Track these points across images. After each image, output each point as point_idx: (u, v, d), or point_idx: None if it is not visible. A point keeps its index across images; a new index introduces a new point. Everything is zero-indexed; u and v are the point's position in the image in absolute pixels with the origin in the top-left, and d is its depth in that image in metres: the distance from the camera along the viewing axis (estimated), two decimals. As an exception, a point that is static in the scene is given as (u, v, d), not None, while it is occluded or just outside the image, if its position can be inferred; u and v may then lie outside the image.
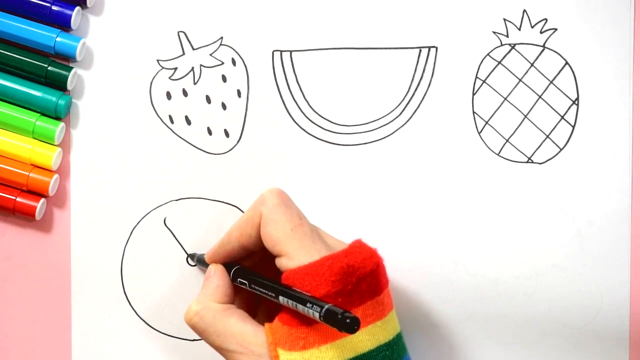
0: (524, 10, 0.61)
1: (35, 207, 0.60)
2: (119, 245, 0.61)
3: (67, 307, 0.62)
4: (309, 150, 0.61)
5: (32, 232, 0.62)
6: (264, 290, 0.52)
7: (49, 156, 0.60)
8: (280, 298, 0.51)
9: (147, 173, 0.61)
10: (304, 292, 0.50)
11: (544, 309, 0.61)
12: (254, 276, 0.54)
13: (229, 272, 0.56)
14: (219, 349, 0.53)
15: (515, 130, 0.61)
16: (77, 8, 0.60)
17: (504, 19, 0.61)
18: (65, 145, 0.61)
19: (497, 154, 0.61)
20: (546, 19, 0.61)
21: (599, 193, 0.61)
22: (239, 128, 0.62)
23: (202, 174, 0.61)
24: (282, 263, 0.52)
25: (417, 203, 0.61)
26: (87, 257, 0.61)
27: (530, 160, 0.61)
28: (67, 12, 0.60)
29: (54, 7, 0.60)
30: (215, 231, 0.61)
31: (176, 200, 0.62)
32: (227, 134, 0.62)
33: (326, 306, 0.48)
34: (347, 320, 0.46)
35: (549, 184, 0.61)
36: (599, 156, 0.61)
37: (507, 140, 0.61)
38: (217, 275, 0.55)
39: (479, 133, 0.61)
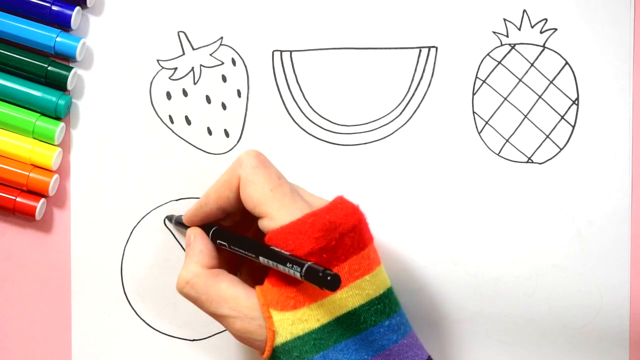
0: (524, 10, 0.61)
1: (35, 207, 0.60)
2: (119, 245, 0.61)
3: (67, 307, 0.61)
4: (309, 150, 0.61)
5: (32, 232, 0.62)
6: (244, 251, 0.52)
7: (49, 156, 0.60)
8: (261, 258, 0.51)
9: (147, 173, 0.61)
10: (286, 252, 0.50)
11: (544, 309, 0.61)
12: (233, 236, 0.54)
13: (207, 233, 0.55)
14: (213, 315, 0.53)
15: (515, 130, 0.61)
16: (77, 8, 0.60)
17: (504, 19, 0.61)
18: (65, 145, 0.61)
19: (497, 154, 0.61)
20: (546, 19, 0.61)
21: (599, 193, 0.61)
22: (239, 128, 0.62)
23: (202, 174, 0.61)
24: (264, 224, 0.52)
25: (417, 203, 0.61)
26: (87, 257, 0.61)
27: (530, 160, 0.61)
28: (67, 12, 0.60)
29: (54, 7, 0.60)
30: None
31: (176, 200, 0.62)
32: (227, 134, 0.62)
33: (307, 264, 0.48)
34: (328, 278, 0.46)
35: (549, 184, 0.61)
36: (599, 156, 0.61)
37: (507, 140, 0.61)
38: (198, 240, 0.55)
39: (479, 133, 0.61)
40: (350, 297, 0.51)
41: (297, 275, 0.48)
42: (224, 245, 0.54)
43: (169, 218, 0.61)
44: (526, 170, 0.61)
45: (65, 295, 0.62)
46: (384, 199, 0.61)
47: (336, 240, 0.50)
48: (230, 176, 0.53)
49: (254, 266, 0.57)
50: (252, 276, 0.57)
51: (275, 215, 0.51)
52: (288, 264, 0.49)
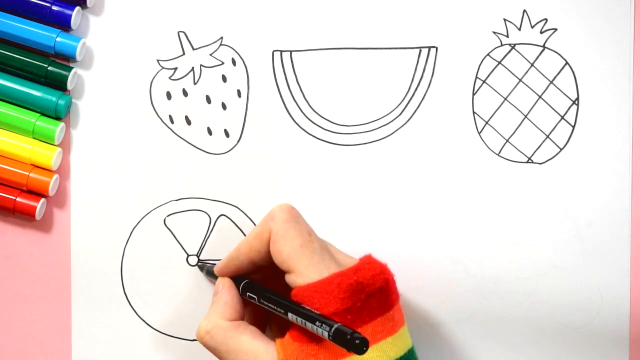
0: (524, 11, 0.61)
1: (35, 207, 0.60)
2: (119, 245, 0.61)
3: (67, 307, 0.62)
4: (309, 150, 0.61)
5: (32, 232, 0.62)
6: (273, 306, 0.52)
7: (49, 156, 0.60)
8: (290, 315, 0.51)
9: (147, 173, 0.61)
10: (313, 310, 0.50)
11: (544, 309, 0.61)
12: (263, 291, 0.54)
13: (238, 285, 0.55)
14: None
15: (515, 130, 0.61)
16: (77, 8, 0.60)
17: (504, 19, 0.61)
18: (65, 145, 0.61)
19: (497, 154, 0.61)
20: (546, 19, 0.61)
21: (599, 193, 0.61)
22: (239, 128, 0.62)
23: (202, 174, 0.61)
24: (292, 279, 0.52)
25: (417, 203, 0.61)
26: (87, 257, 0.61)
27: (530, 160, 0.61)
28: (67, 12, 0.60)
29: (54, 7, 0.60)
30: (215, 231, 0.61)
31: (176, 200, 0.62)
32: (227, 134, 0.62)
33: (335, 326, 0.48)
34: (357, 341, 0.46)
35: (549, 184, 0.61)
36: (599, 156, 0.61)
37: (507, 140, 0.61)
38: (225, 291, 0.55)
39: (479, 133, 0.61)
40: (370, 358, 0.51)
41: (325, 335, 0.48)
42: (254, 299, 0.54)
43: (201, 267, 0.61)
44: (526, 170, 0.61)
45: (65, 295, 0.62)
46: (384, 199, 0.61)
47: (362, 302, 0.51)
48: (262, 229, 0.53)
49: (283, 319, 0.56)
50: (281, 329, 0.57)
51: (303, 271, 0.51)
52: (317, 323, 0.49)
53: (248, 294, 0.55)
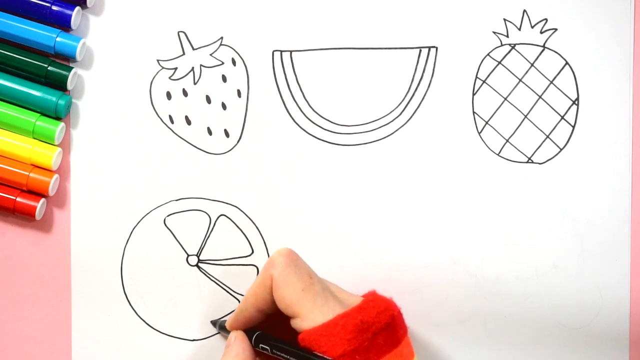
0: (524, 11, 0.61)
1: (35, 207, 0.60)
2: (119, 245, 0.61)
3: (67, 307, 0.62)
4: (309, 151, 0.61)
5: (32, 232, 0.62)
6: (286, 356, 0.52)
7: (49, 156, 0.60)
8: None
9: (147, 173, 0.61)
10: (325, 356, 0.50)
11: (544, 309, 0.61)
12: (275, 342, 0.54)
13: (250, 337, 0.55)
14: None
15: (515, 130, 0.61)
16: (77, 8, 0.60)
17: (504, 19, 0.61)
18: (65, 145, 0.61)
19: (497, 154, 0.61)
20: (546, 19, 0.61)
21: (599, 193, 0.61)
22: (239, 128, 0.62)
23: (202, 174, 0.61)
24: (297, 324, 0.52)
25: (417, 203, 0.61)
26: (87, 257, 0.61)
27: (530, 160, 0.61)
28: (67, 12, 0.60)
29: (54, 7, 0.60)
30: (215, 231, 0.61)
31: (176, 200, 0.62)
32: (227, 134, 0.62)
33: None
34: None
35: (549, 184, 0.61)
36: (599, 156, 0.61)
37: (507, 140, 0.61)
38: (237, 343, 0.55)
39: (479, 133, 0.61)
40: None
41: None
42: (266, 350, 0.54)
43: (214, 323, 0.61)
44: (526, 170, 0.61)
45: (65, 295, 0.61)
46: (384, 199, 0.61)
47: (369, 341, 0.50)
48: (264, 277, 0.53)
49: None
50: None
51: (308, 315, 0.51)
52: None
53: (261, 345, 0.54)
